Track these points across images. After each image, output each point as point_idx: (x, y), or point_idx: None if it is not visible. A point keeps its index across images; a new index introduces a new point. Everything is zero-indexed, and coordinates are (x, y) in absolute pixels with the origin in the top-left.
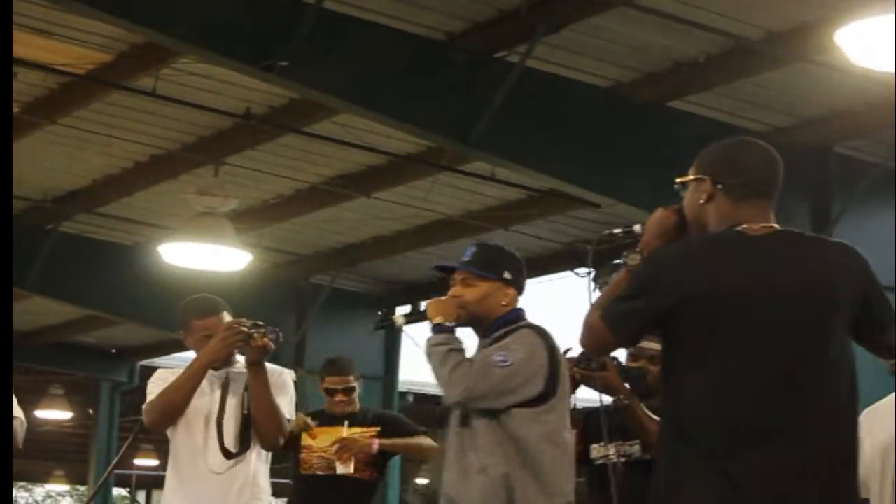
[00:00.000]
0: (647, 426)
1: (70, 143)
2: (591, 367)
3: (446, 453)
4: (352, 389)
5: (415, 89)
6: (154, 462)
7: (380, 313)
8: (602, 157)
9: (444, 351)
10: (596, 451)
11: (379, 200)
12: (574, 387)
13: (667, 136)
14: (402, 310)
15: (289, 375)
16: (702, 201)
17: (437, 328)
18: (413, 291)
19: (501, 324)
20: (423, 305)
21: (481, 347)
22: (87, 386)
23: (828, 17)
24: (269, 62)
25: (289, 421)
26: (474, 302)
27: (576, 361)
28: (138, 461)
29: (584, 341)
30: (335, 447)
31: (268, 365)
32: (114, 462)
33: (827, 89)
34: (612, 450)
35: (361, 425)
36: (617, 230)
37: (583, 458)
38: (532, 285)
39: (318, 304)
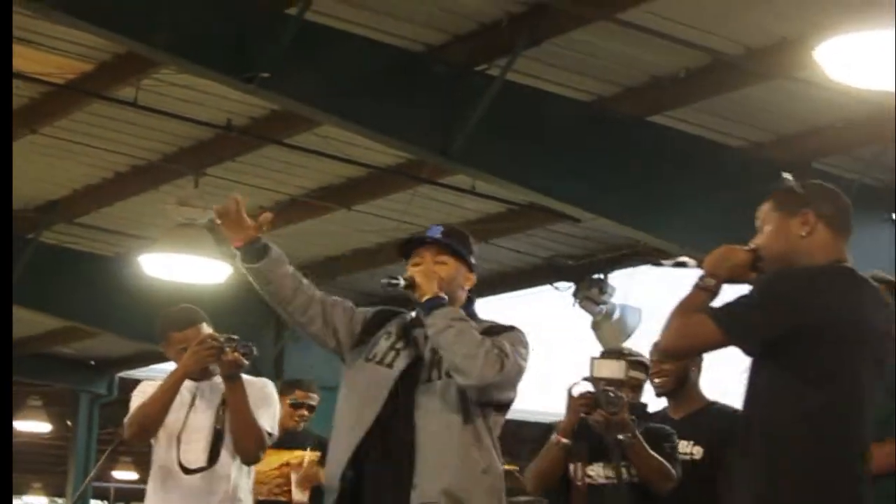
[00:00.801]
0: (652, 463)
1: (50, 152)
2: (613, 410)
3: (433, 446)
4: (313, 408)
5: (395, 101)
6: (133, 475)
7: (385, 280)
8: (582, 170)
9: (470, 327)
10: (579, 470)
11: (359, 213)
12: (574, 420)
13: (647, 150)
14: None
15: (272, 387)
16: (803, 234)
17: (437, 301)
18: (392, 304)
19: (472, 313)
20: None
21: (458, 313)
22: (65, 398)
23: (806, 33)
24: (250, 73)
25: (269, 434)
26: (448, 281)
27: (599, 403)
28: (117, 473)
29: (679, 340)
30: (298, 475)
31: (251, 378)
32: (91, 474)
33: (805, 105)
34: (604, 471)
35: (301, 448)
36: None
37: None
38: (511, 299)
39: None
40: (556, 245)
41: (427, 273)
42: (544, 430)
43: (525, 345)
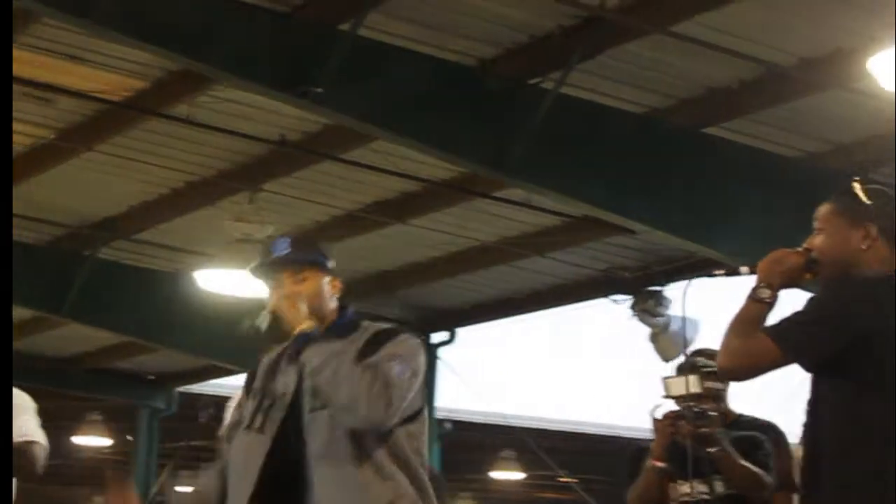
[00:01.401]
0: (745, 472)
1: (107, 169)
2: (702, 424)
3: (329, 491)
4: None
5: (449, 116)
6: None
7: (248, 325)
8: (637, 183)
9: (344, 363)
10: (676, 489)
11: (414, 227)
12: (664, 442)
13: (702, 162)
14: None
15: None
16: (864, 247)
17: (306, 338)
18: (448, 318)
19: (351, 321)
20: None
21: (331, 347)
22: (125, 412)
23: (860, 44)
24: (303, 89)
25: None
26: (314, 298)
27: (689, 418)
28: (178, 488)
29: (739, 362)
30: None
31: None
32: (155, 489)
33: (860, 115)
34: (698, 486)
35: None
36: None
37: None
38: (569, 312)
39: None
40: (613, 257)
41: (290, 302)
42: (635, 450)
43: (413, 349)
